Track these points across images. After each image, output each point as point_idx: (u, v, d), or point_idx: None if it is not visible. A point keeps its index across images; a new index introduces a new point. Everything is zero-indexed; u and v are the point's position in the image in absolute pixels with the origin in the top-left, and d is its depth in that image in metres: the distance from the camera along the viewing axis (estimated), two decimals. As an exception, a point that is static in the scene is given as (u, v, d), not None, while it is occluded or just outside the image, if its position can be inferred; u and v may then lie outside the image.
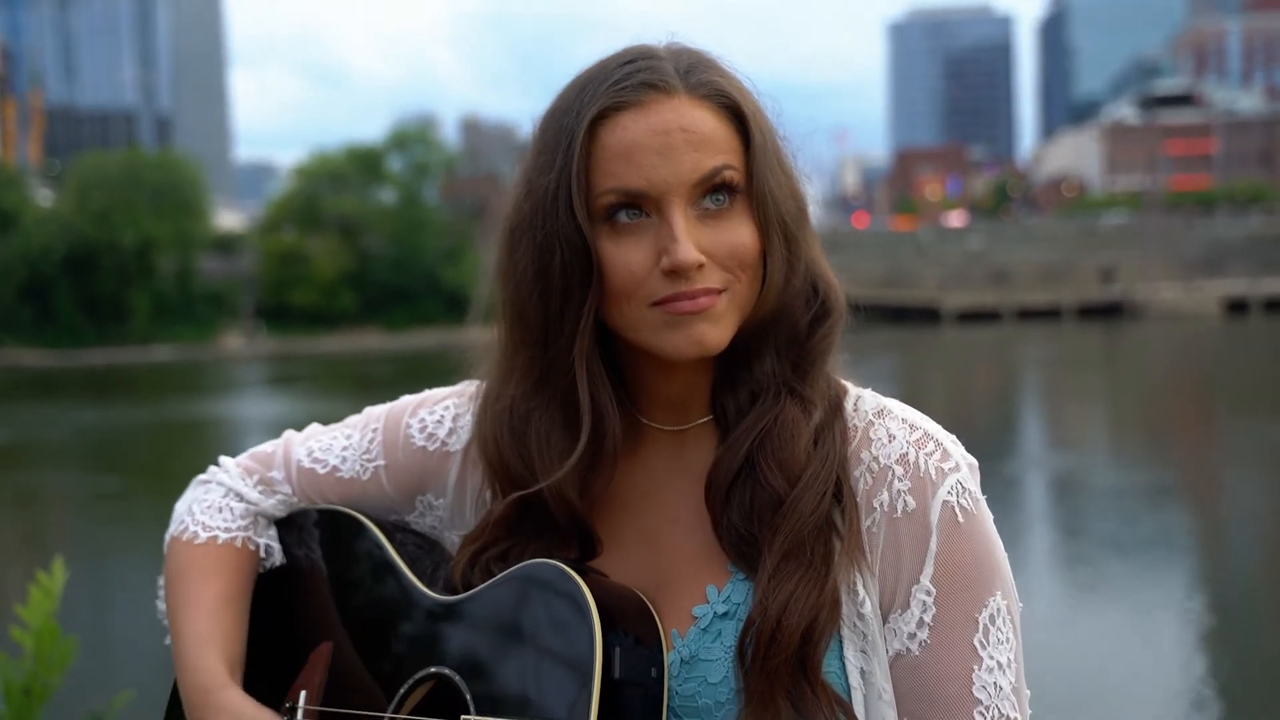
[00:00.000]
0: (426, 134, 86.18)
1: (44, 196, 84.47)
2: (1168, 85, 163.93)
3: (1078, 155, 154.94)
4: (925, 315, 76.04)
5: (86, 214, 74.39)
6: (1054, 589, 13.05)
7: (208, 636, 1.65)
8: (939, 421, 1.49)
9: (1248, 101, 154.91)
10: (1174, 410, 30.83)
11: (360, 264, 77.17)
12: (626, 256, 1.41)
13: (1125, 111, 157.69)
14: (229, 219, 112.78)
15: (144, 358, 68.95)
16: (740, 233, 1.42)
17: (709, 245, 1.41)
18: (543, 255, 1.44)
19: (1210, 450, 23.85)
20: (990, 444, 23.28)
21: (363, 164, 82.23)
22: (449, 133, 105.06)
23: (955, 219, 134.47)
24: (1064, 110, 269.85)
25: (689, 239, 1.39)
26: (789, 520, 1.42)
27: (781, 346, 1.49)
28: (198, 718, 1.60)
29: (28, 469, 27.13)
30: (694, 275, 1.40)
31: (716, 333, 1.42)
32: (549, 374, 1.50)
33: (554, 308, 1.46)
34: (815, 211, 1.60)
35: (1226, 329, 61.51)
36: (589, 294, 1.43)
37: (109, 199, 74.49)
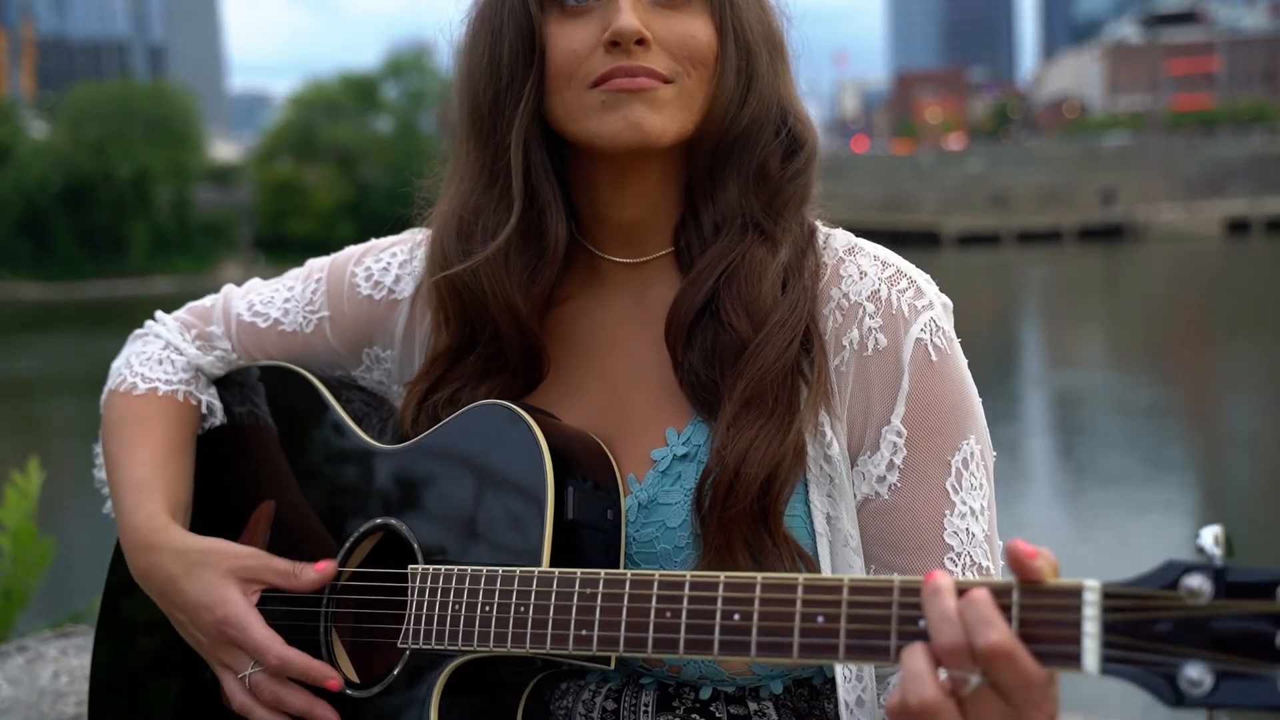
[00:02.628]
0: (422, 61, 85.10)
1: (38, 129, 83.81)
2: (1170, 3, 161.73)
3: (1079, 76, 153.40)
4: (925, 239, 75.59)
5: (81, 146, 73.92)
6: (1054, 505, 13.07)
7: (148, 482, 1.57)
8: None
9: (1252, 18, 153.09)
10: (1175, 331, 30.75)
11: (358, 194, 76.66)
12: (571, 35, 1.39)
13: (1127, 30, 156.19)
14: (224, 150, 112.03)
15: (143, 290, 68.73)
16: (693, 26, 1.40)
17: (659, 30, 1.38)
18: (495, 42, 1.44)
19: (1211, 370, 23.82)
20: (992, 364, 23.24)
21: (358, 92, 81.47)
22: (445, 60, 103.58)
23: (955, 141, 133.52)
24: (1066, 30, 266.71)
25: (632, 10, 1.36)
26: (751, 367, 1.36)
27: (749, 178, 1.44)
28: (139, 564, 1.53)
29: (49, 400, 27.04)
30: (636, 52, 1.36)
31: (658, 120, 1.37)
32: (495, 166, 1.46)
33: (502, 93, 1.43)
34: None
35: (1228, 249, 61.20)
36: (531, 73, 1.41)
37: (103, 131, 73.97)
